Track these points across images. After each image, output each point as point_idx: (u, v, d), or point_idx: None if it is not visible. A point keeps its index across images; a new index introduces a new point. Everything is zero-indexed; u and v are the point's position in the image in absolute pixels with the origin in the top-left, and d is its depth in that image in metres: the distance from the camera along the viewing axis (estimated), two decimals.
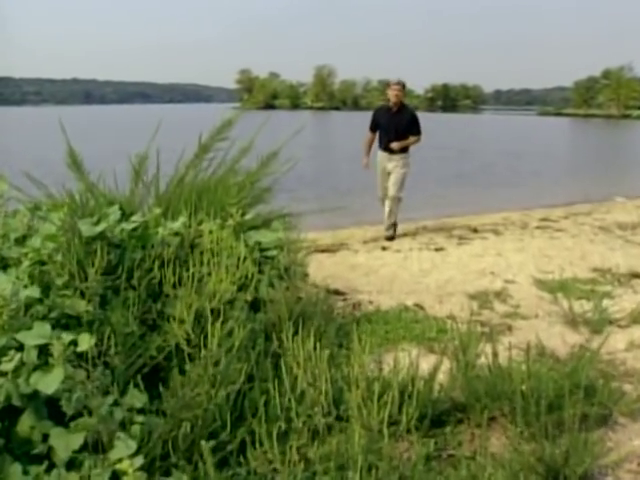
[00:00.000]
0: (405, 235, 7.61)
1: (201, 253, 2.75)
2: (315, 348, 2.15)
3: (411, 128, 7.39)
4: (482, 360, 3.29)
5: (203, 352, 2.07)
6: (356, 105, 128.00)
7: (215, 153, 3.94)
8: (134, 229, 2.63)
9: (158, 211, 3.02)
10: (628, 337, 3.70)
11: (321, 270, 5.59)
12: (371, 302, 4.52)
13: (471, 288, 4.88)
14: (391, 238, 7.37)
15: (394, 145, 7.26)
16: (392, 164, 7.35)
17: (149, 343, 2.44)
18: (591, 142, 39.47)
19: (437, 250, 6.50)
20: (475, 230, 7.96)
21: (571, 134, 52.68)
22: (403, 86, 7.45)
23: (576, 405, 2.40)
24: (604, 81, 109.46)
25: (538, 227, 8.31)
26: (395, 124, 7.32)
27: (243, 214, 3.04)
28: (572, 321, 3.90)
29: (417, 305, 4.42)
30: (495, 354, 2.83)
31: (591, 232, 7.77)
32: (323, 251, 6.69)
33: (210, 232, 2.81)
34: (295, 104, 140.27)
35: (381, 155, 7.49)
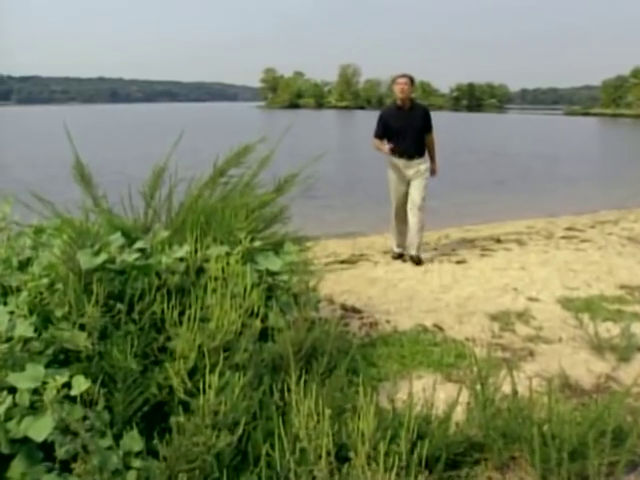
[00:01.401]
0: (427, 244, 7.44)
1: (207, 282, 2.64)
2: (318, 402, 2.01)
3: (426, 125, 6.44)
4: (503, 390, 3.15)
5: (202, 400, 1.96)
6: (381, 104, 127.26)
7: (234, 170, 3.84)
8: (137, 258, 2.53)
9: (164, 235, 2.91)
10: None
11: (339, 284, 5.48)
12: (388, 321, 4.38)
13: (493, 307, 4.71)
14: (419, 261, 6.37)
15: (435, 172, 6.56)
16: (413, 171, 6.38)
17: (150, 380, 2.34)
18: (620, 144, 38.73)
19: (458, 263, 6.33)
20: (498, 240, 7.76)
21: (599, 135, 51.83)
22: (411, 80, 6.37)
23: (602, 453, 2.24)
24: (633, 80, 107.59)
25: (563, 237, 8.08)
26: (410, 124, 6.34)
27: (252, 239, 2.92)
28: (598, 347, 3.72)
29: (436, 326, 4.26)
30: (515, 391, 2.66)
31: (619, 243, 7.53)
32: (342, 262, 6.58)
33: (217, 260, 2.70)
34: (319, 103, 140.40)
35: (397, 162, 6.42)
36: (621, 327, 3.91)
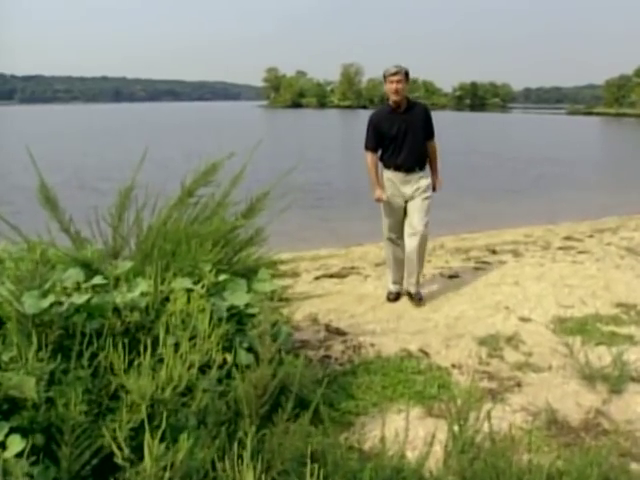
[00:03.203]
0: None
1: (167, 320, 2.49)
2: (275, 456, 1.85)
3: (429, 131, 5.23)
4: (485, 428, 3.00)
5: (142, 465, 1.80)
6: (383, 103, 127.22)
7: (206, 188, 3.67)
8: (91, 296, 2.38)
9: (126, 267, 2.76)
10: None
11: (326, 302, 5.33)
12: (373, 345, 4.22)
13: (482, 328, 4.55)
14: (420, 298, 5.25)
15: (438, 185, 5.34)
16: (412, 187, 5.13)
17: (101, 430, 2.18)
18: (624, 146, 38.48)
19: (451, 277, 6.16)
20: (494, 251, 7.60)
21: (602, 136, 51.61)
22: (406, 74, 5.04)
23: None
24: (637, 79, 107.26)
25: (561, 247, 7.91)
26: (407, 129, 5.08)
27: (218, 272, 2.76)
28: (589, 376, 3.56)
29: (421, 351, 4.10)
30: (492, 439, 2.50)
31: (617, 255, 7.36)
32: (331, 276, 6.42)
33: (179, 295, 2.55)
34: (322, 103, 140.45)
35: (391, 176, 5.20)
36: (614, 354, 3.74)
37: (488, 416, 2.45)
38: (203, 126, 54.58)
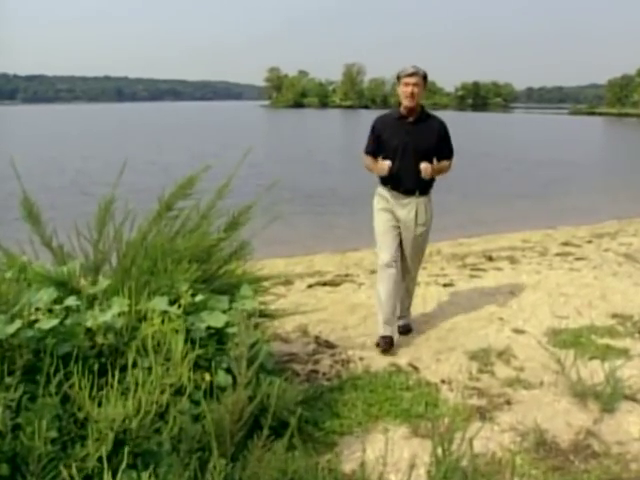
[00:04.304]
0: None
1: (140, 344, 2.42)
2: None
3: (441, 149, 4.42)
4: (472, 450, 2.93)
5: None
6: (385, 104, 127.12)
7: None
8: (63, 317, 2.31)
9: (103, 286, 2.69)
10: None
11: (318, 311, 5.23)
12: (362, 359, 4.14)
13: (474, 341, 4.47)
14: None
15: (425, 169, 4.26)
16: (408, 213, 4.35)
17: (69, 459, 2.11)
18: (627, 147, 38.33)
19: (445, 286, 6.08)
20: (490, 258, 7.52)
21: (606, 137, 51.50)
22: (424, 78, 4.30)
23: None
24: (639, 79, 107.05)
25: (558, 254, 7.83)
26: (415, 142, 4.28)
27: (195, 293, 2.69)
28: (581, 394, 3.48)
29: (411, 365, 4.03)
30: (475, 463, 2.42)
31: (615, 261, 7.28)
32: (325, 284, 6.35)
33: (154, 316, 2.48)
34: (324, 102, 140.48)
35: (385, 196, 4.44)
36: (607, 370, 3.65)
37: (470, 442, 2.37)
38: (205, 127, 54.60)
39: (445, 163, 4.48)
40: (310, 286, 6.31)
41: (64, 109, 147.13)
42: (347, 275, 6.77)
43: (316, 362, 4.10)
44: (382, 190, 4.50)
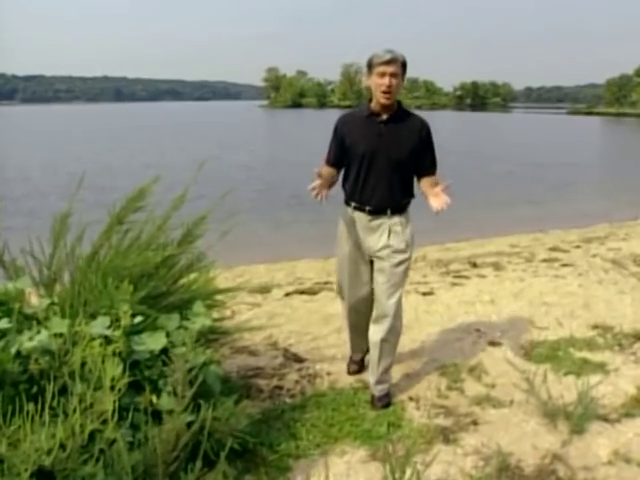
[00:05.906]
0: None
1: (75, 368, 2.28)
2: None
3: (421, 159, 3.34)
4: (433, 472, 2.81)
5: None
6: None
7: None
8: None
9: (44, 305, 2.56)
10: (614, 441, 3.12)
11: (291, 322, 5.15)
12: (329, 374, 4.00)
13: (448, 355, 4.32)
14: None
15: (442, 205, 3.17)
16: (379, 239, 3.37)
17: None
18: (625, 148, 38.20)
19: (425, 294, 5.94)
20: (474, 265, 7.38)
21: (604, 137, 51.41)
22: (403, 65, 3.19)
23: None
24: (637, 79, 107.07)
25: (544, 260, 7.70)
26: (385, 146, 3.25)
27: (135, 314, 2.55)
28: (551, 414, 3.34)
29: None
30: None
31: (602, 268, 7.14)
32: (302, 292, 6.22)
33: (88, 340, 2.34)
34: (322, 103, 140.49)
35: (353, 216, 3.44)
36: (580, 388, 3.51)
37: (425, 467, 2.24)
38: (204, 127, 54.50)
39: (430, 180, 3.37)
40: (287, 294, 6.17)
41: (63, 109, 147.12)
42: (326, 283, 6.63)
43: (282, 377, 3.96)
44: (347, 210, 3.47)
